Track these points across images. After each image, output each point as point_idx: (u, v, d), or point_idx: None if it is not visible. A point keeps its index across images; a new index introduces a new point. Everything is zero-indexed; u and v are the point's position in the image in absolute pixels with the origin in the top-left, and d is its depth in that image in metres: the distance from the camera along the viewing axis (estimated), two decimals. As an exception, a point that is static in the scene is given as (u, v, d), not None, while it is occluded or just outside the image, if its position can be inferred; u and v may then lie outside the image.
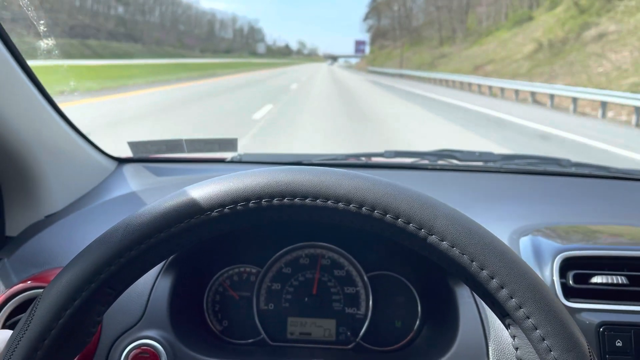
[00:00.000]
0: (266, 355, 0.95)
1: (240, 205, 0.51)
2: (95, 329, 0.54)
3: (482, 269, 0.49)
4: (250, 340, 0.99)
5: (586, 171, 1.34)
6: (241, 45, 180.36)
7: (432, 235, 0.50)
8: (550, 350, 0.47)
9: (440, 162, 1.40)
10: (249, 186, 0.52)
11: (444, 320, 0.92)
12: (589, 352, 0.48)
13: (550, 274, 0.85)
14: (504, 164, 1.37)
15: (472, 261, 0.49)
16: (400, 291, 1.00)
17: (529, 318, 0.47)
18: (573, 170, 1.35)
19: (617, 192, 1.27)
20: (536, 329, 0.47)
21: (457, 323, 0.86)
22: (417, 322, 0.99)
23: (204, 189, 0.52)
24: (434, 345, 0.91)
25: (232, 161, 1.36)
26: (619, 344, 0.79)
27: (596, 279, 0.85)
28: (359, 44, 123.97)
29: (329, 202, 0.51)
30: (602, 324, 0.80)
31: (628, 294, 0.83)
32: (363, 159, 1.42)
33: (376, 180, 0.52)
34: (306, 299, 1.00)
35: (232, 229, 0.53)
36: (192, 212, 0.51)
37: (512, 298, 0.48)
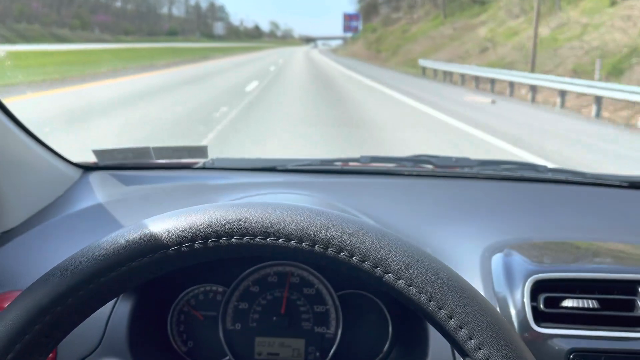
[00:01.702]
0: None
1: (185, 247, 0.48)
2: None
3: (440, 309, 0.47)
4: None
5: (562, 177, 1.33)
6: (196, 26, 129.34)
7: (388, 273, 0.48)
8: None
9: (416, 168, 1.38)
10: (194, 225, 0.49)
11: (414, 341, 0.90)
12: None
13: (521, 297, 0.84)
14: (481, 170, 1.35)
15: (430, 300, 0.47)
16: (371, 310, 0.98)
17: (488, 359, 0.46)
18: (549, 175, 1.34)
19: (593, 199, 1.26)
20: None
21: (427, 346, 0.85)
22: (388, 343, 0.97)
23: (146, 229, 0.49)
24: None
25: (204, 167, 1.32)
26: None
27: (567, 303, 0.83)
28: (351, 19, 77.23)
29: (279, 240, 0.48)
30: (573, 350, 0.78)
31: (599, 319, 0.82)
32: (338, 164, 1.39)
33: (329, 215, 0.50)
34: (274, 318, 0.97)
35: (176, 268, 0.51)
36: (133, 255, 0.48)
37: (471, 339, 0.46)
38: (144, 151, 1.25)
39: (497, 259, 0.92)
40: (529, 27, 19.50)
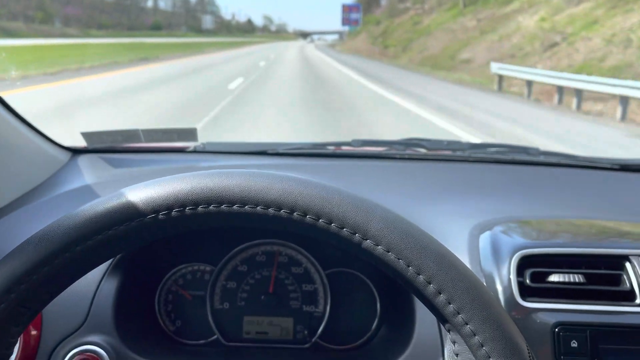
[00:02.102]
0: (220, 355, 0.92)
1: (162, 215, 0.48)
2: (10, 350, 0.50)
3: (419, 274, 0.46)
4: (203, 341, 0.96)
5: (554, 160, 1.32)
6: (183, 20, 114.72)
7: (366, 240, 0.47)
8: (489, 356, 0.45)
9: (408, 151, 1.38)
10: (171, 193, 0.48)
11: (401, 319, 0.90)
12: (530, 356, 0.47)
13: (507, 273, 0.83)
14: (472, 153, 1.35)
15: (409, 266, 0.47)
16: (359, 288, 0.98)
17: (467, 324, 0.46)
18: (541, 159, 1.33)
19: (583, 181, 1.26)
20: (475, 335, 0.46)
21: (414, 322, 0.85)
22: (376, 321, 0.96)
23: (123, 198, 0.49)
24: (391, 345, 0.90)
25: (195, 151, 1.32)
26: (574, 344, 0.77)
27: (553, 278, 0.83)
28: (350, 11, 67.10)
29: (257, 208, 0.48)
30: (558, 324, 0.78)
31: (585, 293, 0.82)
32: (330, 148, 1.39)
33: (308, 183, 0.49)
34: (263, 297, 0.97)
35: (156, 238, 0.50)
36: (110, 223, 0.48)
37: (450, 304, 0.46)
38: (133, 134, 1.24)
39: (485, 237, 0.91)
40: (609, 13, 13.35)
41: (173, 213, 0.48)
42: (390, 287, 0.96)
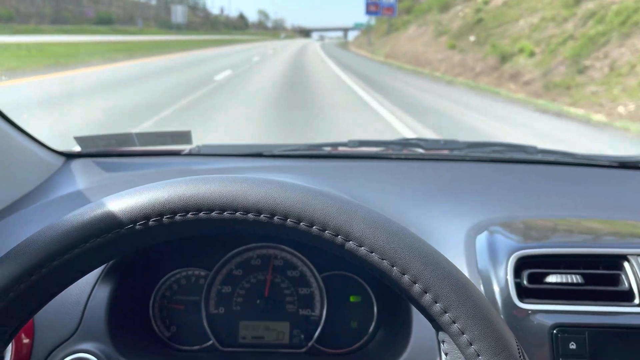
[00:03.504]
0: None
1: (139, 225, 0.47)
2: None
3: (404, 274, 0.46)
4: (198, 347, 0.95)
5: (551, 158, 1.31)
6: (155, 13, 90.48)
7: (349, 241, 0.46)
8: (478, 355, 0.44)
9: (404, 151, 1.37)
10: (147, 202, 0.47)
11: (398, 322, 0.89)
12: (519, 353, 0.46)
13: (504, 274, 0.82)
14: (469, 152, 1.34)
15: (393, 266, 0.46)
16: (356, 291, 0.97)
17: (455, 323, 0.45)
18: (539, 157, 1.32)
19: (581, 179, 1.25)
20: (463, 334, 0.45)
21: (411, 325, 0.84)
22: (373, 324, 0.96)
23: (100, 209, 0.48)
24: (388, 348, 0.89)
25: (190, 154, 1.31)
26: (572, 346, 0.76)
27: (551, 278, 0.82)
28: None
29: (237, 214, 0.47)
30: (556, 325, 0.77)
31: (583, 294, 0.81)
32: (326, 149, 1.38)
33: (287, 185, 0.48)
34: (258, 301, 0.96)
35: (137, 248, 0.49)
36: (86, 236, 0.47)
37: (436, 303, 0.45)
38: (126, 137, 1.23)
39: (481, 238, 0.90)
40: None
41: (150, 223, 0.47)
42: (386, 289, 0.95)
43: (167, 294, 0.96)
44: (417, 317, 0.84)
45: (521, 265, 0.83)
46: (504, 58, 14.08)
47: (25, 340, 0.78)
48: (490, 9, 19.87)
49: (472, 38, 18.10)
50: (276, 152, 1.30)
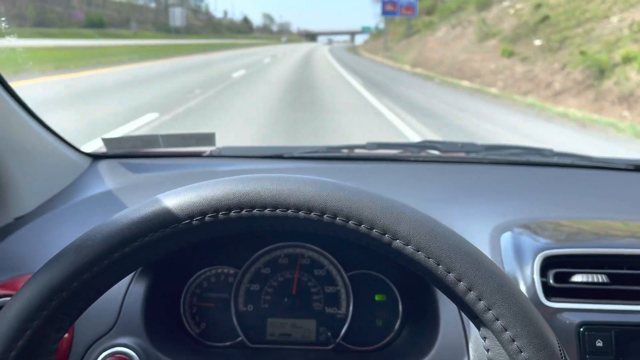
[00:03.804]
0: (245, 357, 0.93)
1: (196, 220, 0.49)
2: (51, 357, 0.51)
3: (449, 272, 0.48)
4: (228, 343, 0.97)
5: (568, 161, 1.33)
6: (154, 16, 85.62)
7: (396, 240, 0.49)
8: (521, 351, 0.46)
9: (422, 153, 1.39)
10: (204, 198, 0.50)
11: (425, 320, 0.91)
12: (560, 351, 0.47)
13: (530, 273, 0.84)
14: (487, 155, 1.36)
15: (439, 264, 0.48)
16: (381, 290, 0.99)
17: (498, 320, 0.47)
18: (555, 160, 1.34)
19: (599, 182, 1.27)
20: (506, 330, 0.47)
21: (438, 323, 0.86)
22: (398, 322, 0.97)
23: (158, 205, 0.50)
24: (414, 346, 0.90)
25: (211, 155, 1.33)
26: (599, 344, 0.78)
27: (577, 278, 0.84)
28: None
29: (289, 211, 0.49)
30: (583, 323, 0.79)
31: (609, 293, 0.83)
32: (344, 151, 1.40)
33: (337, 185, 0.51)
34: (286, 299, 0.98)
35: (188, 243, 0.52)
36: (145, 230, 0.49)
37: (480, 300, 0.47)
38: (152, 139, 1.26)
39: (506, 238, 0.92)
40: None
41: (206, 218, 0.49)
42: (412, 288, 0.97)
43: (198, 292, 0.99)
44: (444, 315, 0.85)
45: (547, 264, 0.85)
46: (602, 71, 9.72)
47: (66, 336, 0.80)
48: (556, 3, 14.76)
49: (537, 42, 13.38)
50: (296, 154, 1.32)
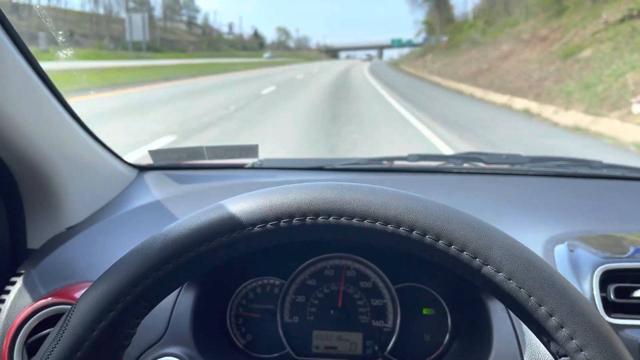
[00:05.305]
0: None
1: (283, 222, 0.49)
2: (128, 341, 0.53)
3: (541, 305, 0.45)
4: (275, 355, 0.96)
5: (618, 173, 1.29)
6: (106, 27, 67.05)
7: (487, 265, 0.46)
8: None
9: (465, 165, 1.36)
10: (293, 202, 0.50)
11: (476, 335, 0.88)
12: None
13: (590, 288, 0.81)
14: (532, 167, 1.33)
15: (530, 296, 0.46)
16: (429, 304, 0.97)
17: (582, 351, 0.45)
18: (604, 172, 1.30)
19: None
20: None
21: (491, 339, 0.83)
22: (447, 337, 0.95)
23: (247, 203, 0.51)
24: None
25: (252, 167, 1.34)
26: None
27: (638, 293, 0.80)
28: None
29: (377, 223, 0.48)
30: None
31: None
32: (385, 162, 1.39)
33: (428, 202, 0.49)
34: (332, 311, 0.97)
35: (271, 244, 0.52)
36: (233, 226, 0.50)
37: (572, 339, 0.45)
38: (197, 151, 1.27)
39: (560, 251, 0.89)
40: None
41: (294, 221, 0.49)
42: (461, 302, 0.95)
43: (244, 303, 0.99)
44: (497, 333, 0.83)
45: (606, 279, 0.82)
46: None
47: None
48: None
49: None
50: (337, 166, 1.32)
